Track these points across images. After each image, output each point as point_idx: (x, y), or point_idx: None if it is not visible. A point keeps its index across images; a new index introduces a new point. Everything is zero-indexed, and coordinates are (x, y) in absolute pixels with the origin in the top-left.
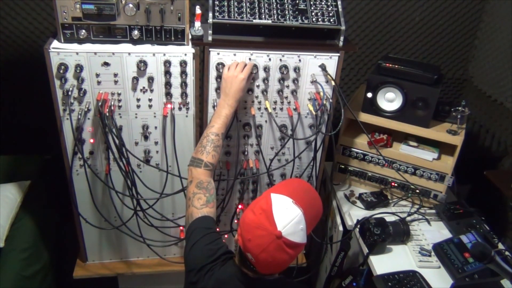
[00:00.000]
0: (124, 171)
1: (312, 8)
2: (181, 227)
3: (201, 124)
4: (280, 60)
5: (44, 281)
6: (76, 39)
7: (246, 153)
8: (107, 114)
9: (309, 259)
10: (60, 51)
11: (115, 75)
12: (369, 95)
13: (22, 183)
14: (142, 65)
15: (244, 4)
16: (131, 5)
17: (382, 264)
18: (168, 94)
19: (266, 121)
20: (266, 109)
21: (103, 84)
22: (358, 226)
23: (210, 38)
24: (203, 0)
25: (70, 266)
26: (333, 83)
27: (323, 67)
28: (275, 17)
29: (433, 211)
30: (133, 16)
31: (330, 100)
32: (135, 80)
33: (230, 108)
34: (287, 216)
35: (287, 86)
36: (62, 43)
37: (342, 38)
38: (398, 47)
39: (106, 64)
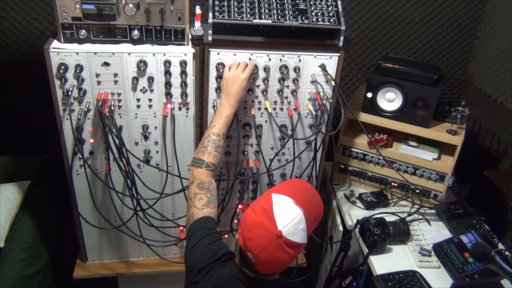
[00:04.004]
0: (124, 171)
1: (312, 8)
2: (181, 227)
3: (201, 124)
4: (280, 60)
5: (44, 281)
6: (76, 39)
7: (246, 153)
8: (107, 114)
9: (309, 259)
10: (60, 51)
11: (115, 75)
12: (369, 95)
13: (22, 183)
14: (142, 65)
15: (244, 4)
16: (131, 5)
17: (382, 264)
18: (168, 94)
19: (266, 121)
20: (266, 109)
21: (103, 84)
22: (358, 226)
23: (210, 38)
24: (203, 0)
25: (70, 266)
26: (333, 83)
27: (323, 67)
28: (275, 17)
29: (433, 211)
30: (133, 16)
31: (330, 100)
32: (135, 80)
33: (231, 108)
34: (288, 216)
35: (287, 86)
36: (62, 43)
37: (342, 38)
38: (398, 47)
39: (106, 64)
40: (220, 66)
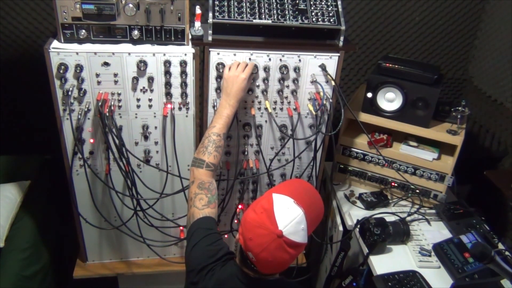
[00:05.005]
0: (124, 171)
1: (312, 8)
2: (181, 227)
3: (201, 124)
4: (280, 60)
5: (44, 281)
6: (76, 39)
7: (246, 153)
8: (107, 114)
9: (309, 259)
10: (60, 51)
11: (115, 75)
12: (369, 95)
13: (22, 183)
14: (142, 65)
15: (244, 4)
16: (131, 5)
17: (382, 264)
18: (168, 94)
19: (266, 121)
20: (266, 109)
21: (103, 84)
22: (358, 226)
23: (210, 38)
24: (203, 0)
25: (70, 266)
26: (333, 83)
27: (323, 67)
28: (275, 17)
29: (433, 211)
30: (133, 16)
31: (330, 100)
32: (135, 80)
33: (232, 108)
34: (288, 215)
35: (287, 86)
36: (62, 43)
37: (342, 38)
38: (398, 47)
39: (106, 64)
40: (220, 66)
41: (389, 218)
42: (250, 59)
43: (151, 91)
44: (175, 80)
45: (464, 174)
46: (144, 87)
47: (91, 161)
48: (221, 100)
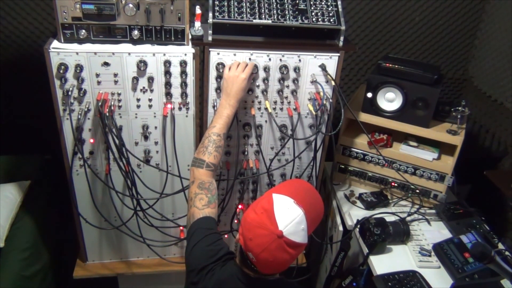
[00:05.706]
0: (124, 171)
1: (312, 8)
2: (181, 227)
3: (201, 124)
4: (280, 60)
5: (44, 281)
6: (76, 39)
7: (246, 153)
8: (107, 114)
9: (309, 259)
10: (60, 51)
11: (115, 75)
12: (369, 95)
13: (22, 183)
14: (142, 65)
15: (244, 4)
16: (131, 5)
17: (382, 264)
18: (168, 94)
19: (266, 121)
20: (266, 109)
21: (103, 84)
22: (358, 226)
23: (210, 38)
24: (203, 0)
25: (70, 266)
26: (333, 83)
27: (323, 67)
28: (275, 17)
29: (433, 211)
30: (133, 16)
31: (330, 100)
32: (135, 80)
33: (232, 108)
34: (289, 216)
35: (287, 86)
36: (62, 43)
37: (342, 38)
38: (398, 47)
39: (106, 64)
40: (220, 66)
41: (389, 218)
42: (250, 59)
43: (151, 91)
44: (175, 80)
45: (464, 174)
46: (144, 87)
47: (91, 161)
48: (221, 100)
